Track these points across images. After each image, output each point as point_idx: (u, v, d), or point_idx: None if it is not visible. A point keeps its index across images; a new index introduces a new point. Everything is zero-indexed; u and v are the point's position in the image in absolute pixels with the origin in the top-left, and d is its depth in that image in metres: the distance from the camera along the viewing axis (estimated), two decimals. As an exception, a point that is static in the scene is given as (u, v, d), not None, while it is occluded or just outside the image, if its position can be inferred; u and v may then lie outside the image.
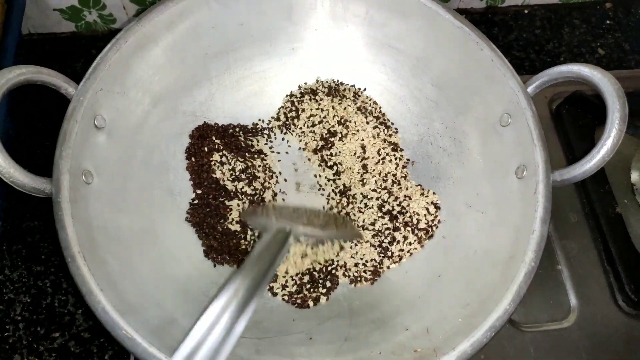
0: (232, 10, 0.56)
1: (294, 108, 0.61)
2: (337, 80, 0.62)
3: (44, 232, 0.59)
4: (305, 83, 0.62)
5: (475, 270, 0.48)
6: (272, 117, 0.61)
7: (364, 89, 0.61)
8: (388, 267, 0.53)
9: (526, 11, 0.78)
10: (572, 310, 0.55)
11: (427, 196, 0.56)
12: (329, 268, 0.53)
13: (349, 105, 0.60)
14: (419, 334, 0.45)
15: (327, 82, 0.62)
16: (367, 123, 0.59)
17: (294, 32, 0.59)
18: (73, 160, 0.44)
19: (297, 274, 0.53)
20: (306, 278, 0.52)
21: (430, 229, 0.54)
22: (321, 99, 0.60)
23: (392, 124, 0.60)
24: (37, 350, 0.53)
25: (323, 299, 0.51)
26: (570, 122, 0.63)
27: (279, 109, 0.61)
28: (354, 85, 0.62)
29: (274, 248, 0.44)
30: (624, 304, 0.55)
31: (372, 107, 0.61)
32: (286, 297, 0.51)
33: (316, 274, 0.53)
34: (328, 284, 0.52)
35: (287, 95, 0.61)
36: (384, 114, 0.61)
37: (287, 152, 0.60)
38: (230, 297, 0.37)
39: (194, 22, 0.54)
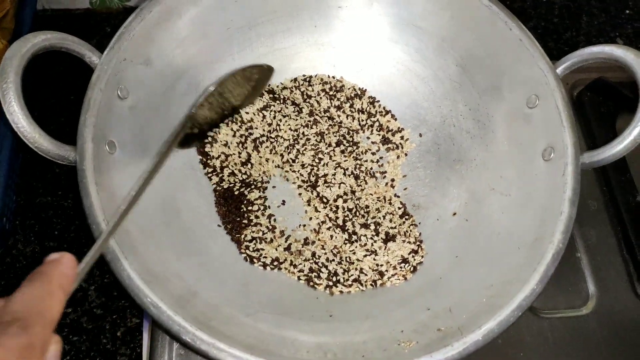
0: (256, -17, 0.55)
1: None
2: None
3: (57, 208, 0.59)
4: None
5: (499, 252, 0.47)
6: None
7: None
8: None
9: (545, -1, 0.78)
10: (590, 297, 0.54)
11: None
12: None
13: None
14: (441, 314, 0.44)
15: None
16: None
17: (318, 8, 0.58)
18: (97, 128, 0.43)
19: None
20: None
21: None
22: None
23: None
24: (50, 325, 0.53)
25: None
26: (592, 109, 0.62)
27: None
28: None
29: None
30: (642, 293, 0.54)
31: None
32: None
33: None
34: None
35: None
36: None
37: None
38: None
39: (218, -5, 0.53)
